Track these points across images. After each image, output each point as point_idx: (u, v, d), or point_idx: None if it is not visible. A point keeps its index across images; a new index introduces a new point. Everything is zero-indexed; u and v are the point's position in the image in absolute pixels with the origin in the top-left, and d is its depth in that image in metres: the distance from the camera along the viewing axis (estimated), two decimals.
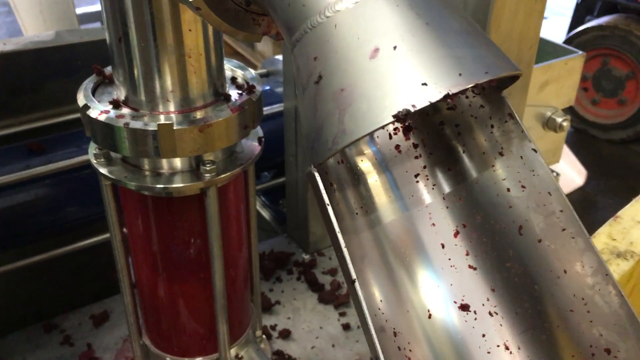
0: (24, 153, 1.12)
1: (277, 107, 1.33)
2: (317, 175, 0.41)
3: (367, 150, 0.53)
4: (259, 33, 0.56)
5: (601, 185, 3.01)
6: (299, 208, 1.34)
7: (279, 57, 1.49)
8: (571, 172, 2.50)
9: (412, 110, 0.36)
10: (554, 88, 1.35)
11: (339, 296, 1.22)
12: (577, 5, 3.56)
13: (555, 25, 4.39)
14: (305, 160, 1.25)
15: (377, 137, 0.52)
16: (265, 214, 1.53)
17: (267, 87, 1.45)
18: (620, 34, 3.15)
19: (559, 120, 1.38)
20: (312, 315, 1.19)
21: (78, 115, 1.26)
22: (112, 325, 1.15)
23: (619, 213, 0.79)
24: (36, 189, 1.09)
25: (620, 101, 3.33)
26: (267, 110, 1.28)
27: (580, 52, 1.39)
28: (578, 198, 2.76)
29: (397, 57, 0.38)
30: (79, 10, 2.91)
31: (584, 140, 3.41)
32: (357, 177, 0.53)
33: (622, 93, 3.30)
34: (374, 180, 0.53)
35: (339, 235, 0.40)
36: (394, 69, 0.38)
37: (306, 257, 1.34)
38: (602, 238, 0.75)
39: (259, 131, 0.78)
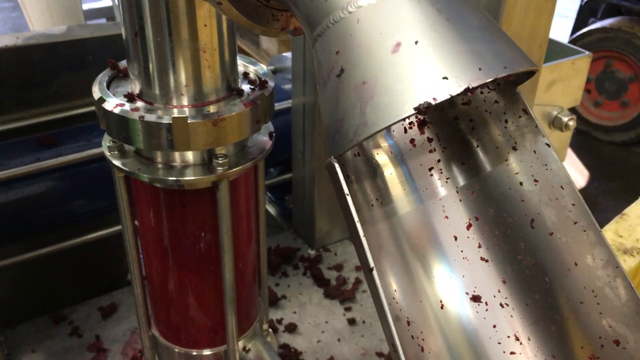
0: (34, 146, 1.13)
1: (284, 104, 1.34)
2: (337, 166, 0.42)
3: (384, 144, 0.54)
4: (277, 28, 0.57)
5: (603, 187, 3.02)
6: (305, 204, 1.35)
7: (287, 54, 1.50)
8: (573, 174, 2.51)
9: (433, 103, 0.37)
10: (560, 87, 1.36)
11: (344, 291, 1.23)
12: (581, 7, 3.57)
13: (559, 26, 4.40)
14: (313, 156, 1.26)
15: (393, 130, 0.53)
16: (271, 209, 1.54)
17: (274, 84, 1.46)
18: (624, 36, 3.16)
19: (565, 119, 1.39)
20: (317, 309, 1.20)
21: (89, 109, 1.29)
22: (120, 318, 1.16)
23: (626, 210, 0.80)
24: (46, 182, 1.10)
25: (622, 103, 3.33)
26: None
27: (587, 53, 1.40)
28: None
29: (418, 52, 0.39)
30: (85, 7, 2.92)
31: (586, 142, 3.42)
32: (374, 170, 0.54)
33: (624, 95, 3.31)
34: (389, 172, 0.54)
35: (358, 225, 0.41)
36: (415, 63, 0.39)
37: (312, 252, 1.35)
38: (608, 235, 0.76)
39: (269, 126, 0.79)
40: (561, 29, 4.16)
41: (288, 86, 1.40)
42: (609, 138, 3.42)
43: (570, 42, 3.28)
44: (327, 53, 0.43)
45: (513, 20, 0.87)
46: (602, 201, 2.91)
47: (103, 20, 3.39)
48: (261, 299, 0.97)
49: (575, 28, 3.52)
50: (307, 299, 1.23)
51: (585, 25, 3.41)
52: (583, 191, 2.66)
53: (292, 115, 1.30)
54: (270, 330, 1.05)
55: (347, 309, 1.20)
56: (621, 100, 3.33)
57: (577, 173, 2.49)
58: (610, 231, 0.77)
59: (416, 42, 0.39)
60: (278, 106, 1.33)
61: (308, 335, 1.14)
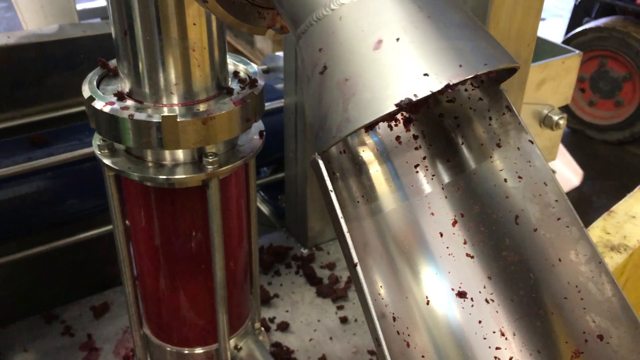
0: (26, 145, 1.13)
1: (276, 103, 1.34)
2: (321, 162, 0.42)
3: (369, 141, 0.54)
4: (263, 26, 0.57)
5: (597, 186, 3.03)
6: (298, 203, 1.35)
7: (280, 53, 1.50)
8: (567, 173, 2.52)
9: (414, 99, 0.37)
10: (550, 86, 1.37)
11: (336, 290, 1.24)
12: (575, 6, 3.58)
13: (553, 26, 4.41)
14: (305, 155, 1.27)
15: (379, 128, 0.54)
16: (264, 209, 1.55)
17: (267, 83, 1.47)
18: (618, 35, 3.17)
19: (556, 118, 1.40)
20: (310, 308, 1.20)
21: (80, 108, 1.29)
22: (112, 317, 1.16)
23: (613, 208, 0.81)
24: (38, 181, 1.10)
25: (617, 102, 3.35)
26: (267, 106, 1.29)
27: (577, 52, 1.41)
28: (574, 198, 2.78)
29: (399, 49, 0.39)
30: (79, 7, 2.91)
31: (580, 140, 3.44)
32: (359, 167, 0.54)
33: (619, 94, 3.32)
34: (375, 170, 0.54)
35: (342, 221, 0.41)
36: (396, 60, 0.39)
37: (305, 251, 1.36)
38: (596, 232, 0.77)
39: (260, 125, 0.79)
40: (555, 29, 4.17)
41: (281, 85, 1.40)
42: (603, 137, 3.43)
43: (565, 41, 3.30)
44: (311, 50, 0.43)
45: (501, 19, 0.87)
46: (596, 200, 2.93)
47: (98, 20, 3.38)
48: (253, 297, 0.97)
49: (570, 27, 3.54)
50: (300, 297, 1.23)
51: (580, 24, 3.42)
52: (577, 190, 2.67)
53: (284, 114, 1.30)
54: (262, 328, 1.05)
55: (340, 308, 1.21)
56: (615, 99, 3.34)
57: (571, 172, 2.50)
58: (597, 228, 0.77)
59: (397, 39, 0.39)
60: (271, 105, 1.33)
61: (300, 333, 1.15)
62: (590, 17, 3.48)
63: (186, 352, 0.89)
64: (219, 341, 0.86)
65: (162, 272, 0.83)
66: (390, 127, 0.53)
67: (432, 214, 0.53)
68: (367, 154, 0.54)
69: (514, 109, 0.50)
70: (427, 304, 0.51)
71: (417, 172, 0.54)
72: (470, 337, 0.50)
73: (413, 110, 0.48)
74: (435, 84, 0.38)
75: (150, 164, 0.72)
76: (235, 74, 0.76)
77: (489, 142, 0.52)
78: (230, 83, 0.74)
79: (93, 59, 0.75)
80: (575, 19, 3.55)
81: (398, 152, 0.54)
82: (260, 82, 0.73)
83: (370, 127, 0.48)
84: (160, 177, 0.71)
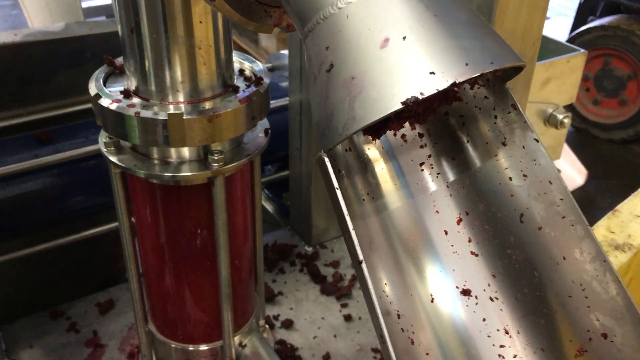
0: (32, 143, 1.14)
1: (281, 101, 1.34)
2: (327, 160, 0.43)
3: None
4: (270, 24, 0.57)
5: (601, 185, 3.03)
6: (302, 201, 1.35)
7: (284, 52, 1.50)
8: (572, 171, 2.51)
9: (420, 97, 0.38)
10: (555, 85, 1.37)
11: (340, 288, 1.24)
12: (580, 5, 3.58)
13: (558, 25, 4.40)
14: (309, 153, 1.27)
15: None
16: (268, 206, 1.55)
17: (272, 82, 1.47)
18: (622, 34, 3.16)
19: (560, 117, 1.40)
20: (314, 306, 1.21)
21: (86, 106, 1.29)
22: (118, 313, 1.16)
23: (618, 207, 0.81)
24: (44, 178, 1.10)
25: (621, 101, 3.34)
26: (272, 104, 1.30)
27: (582, 50, 1.41)
28: (578, 197, 2.77)
29: (406, 47, 0.39)
30: (84, 4, 2.92)
31: (585, 139, 3.43)
32: (365, 165, 0.54)
33: (623, 93, 3.32)
34: (380, 168, 0.55)
35: (347, 218, 0.42)
36: (403, 58, 0.39)
37: (309, 249, 1.36)
38: (600, 231, 0.77)
39: (265, 123, 0.80)
40: (560, 27, 4.16)
41: (286, 84, 1.40)
42: (608, 136, 3.43)
43: (569, 40, 3.29)
44: (317, 49, 0.43)
45: (506, 17, 0.87)
46: (600, 199, 2.92)
47: (103, 18, 3.39)
48: (257, 295, 0.97)
49: (575, 26, 3.53)
50: (304, 295, 1.23)
51: (584, 23, 3.42)
52: (581, 189, 2.66)
53: (289, 112, 1.30)
54: (266, 326, 1.06)
55: (344, 306, 1.21)
56: (620, 98, 3.34)
57: (576, 171, 2.50)
58: (602, 227, 0.77)
59: (404, 38, 0.40)
60: (276, 103, 1.33)
61: (304, 331, 1.15)
62: (594, 16, 3.47)
63: (191, 348, 0.89)
64: (223, 338, 0.86)
65: (168, 269, 0.83)
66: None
67: (437, 212, 0.53)
68: (372, 152, 0.55)
69: (520, 108, 0.50)
70: (432, 301, 0.51)
71: (422, 170, 0.54)
72: (474, 335, 0.51)
73: (420, 120, 0.48)
74: (441, 83, 0.38)
75: (156, 162, 0.73)
76: (241, 72, 0.77)
77: (494, 141, 0.52)
78: (235, 81, 0.74)
79: (99, 56, 0.75)
80: (580, 18, 3.54)
81: (403, 150, 0.54)
82: (266, 80, 0.73)
83: (378, 136, 0.48)
84: (166, 174, 0.71)
